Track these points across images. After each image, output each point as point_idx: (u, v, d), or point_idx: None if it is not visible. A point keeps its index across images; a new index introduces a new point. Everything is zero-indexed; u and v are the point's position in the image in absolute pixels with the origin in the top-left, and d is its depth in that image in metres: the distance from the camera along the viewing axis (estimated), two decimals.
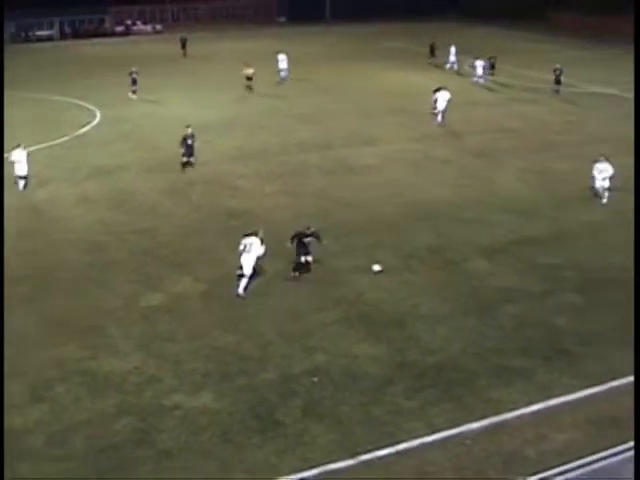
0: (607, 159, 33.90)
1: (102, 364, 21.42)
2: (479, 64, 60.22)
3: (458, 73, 64.70)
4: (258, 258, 25.90)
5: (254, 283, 26.02)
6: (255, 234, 26.00)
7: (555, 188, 36.14)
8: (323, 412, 19.45)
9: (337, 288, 26.07)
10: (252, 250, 25.63)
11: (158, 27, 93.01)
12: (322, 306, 24.81)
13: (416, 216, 32.45)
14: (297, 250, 26.65)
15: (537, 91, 57.59)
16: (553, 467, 16.74)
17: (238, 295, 25.43)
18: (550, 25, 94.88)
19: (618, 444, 15.59)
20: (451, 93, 47.72)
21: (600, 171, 33.59)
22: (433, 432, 18.63)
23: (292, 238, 26.73)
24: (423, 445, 18.25)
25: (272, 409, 19.55)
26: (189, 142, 37.43)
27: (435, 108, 47.52)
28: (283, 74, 58.88)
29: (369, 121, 48.39)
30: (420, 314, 24.39)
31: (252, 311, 24.46)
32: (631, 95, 55.76)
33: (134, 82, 53.96)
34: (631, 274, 27.12)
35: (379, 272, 27.26)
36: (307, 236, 26.65)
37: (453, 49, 66.71)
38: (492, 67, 60.80)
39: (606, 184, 33.59)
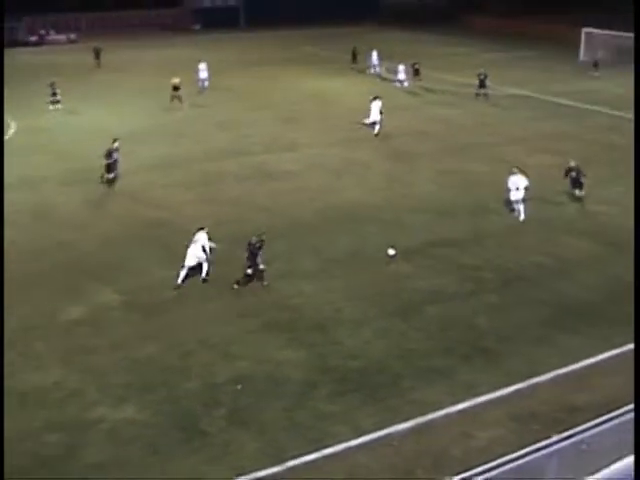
0: (521, 170, 33.12)
1: (23, 380, 21.08)
2: (401, 68, 60.41)
3: (381, 77, 65.03)
4: (211, 249, 26.98)
5: (174, 293, 25.94)
6: (202, 229, 27.26)
7: (472, 189, 36.56)
8: (248, 420, 19.43)
9: (258, 294, 26.04)
10: (198, 241, 26.78)
11: (72, 36, 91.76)
12: (243, 313, 24.77)
13: (336, 220, 32.57)
14: (246, 260, 26.52)
15: (454, 94, 58.18)
16: (478, 465, 16.92)
17: (177, 287, 26.35)
18: (464, 29, 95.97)
19: (540, 440, 15.78)
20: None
21: (514, 183, 32.60)
22: (359, 435, 18.72)
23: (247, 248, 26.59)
24: (350, 448, 18.31)
25: (197, 419, 19.46)
26: (115, 156, 36.78)
27: (368, 117, 46.45)
28: (204, 83, 58.47)
29: (289, 126, 48.42)
30: (342, 318, 24.49)
31: (173, 320, 24.32)
32: (545, 96, 56.81)
33: (54, 93, 53.21)
34: (548, 272, 27.63)
35: (394, 256, 28.53)
36: (254, 245, 26.48)
37: (375, 54, 67.09)
38: (417, 72, 60.80)
39: (520, 195, 32.64)
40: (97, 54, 71.00)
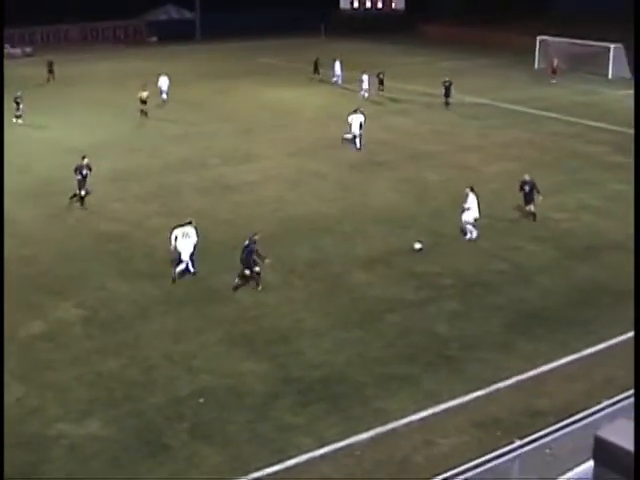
0: (472, 190, 31.50)
1: None
2: (365, 78, 60.39)
3: (342, 87, 65.20)
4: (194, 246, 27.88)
5: (134, 306, 25.88)
6: (189, 223, 28.24)
7: (429, 197, 36.79)
8: (211, 433, 19.38)
9: (219, 307, 26.01)
10: (191, 236, 27.83)
11: (28, 50, 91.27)
12: (204, 326, 24.72)
13: (295, 231, 32.62)
14: (240, 263, 26.96)
15: (412, 103, 58.49)
16: (441, 472, 16.98)
17: (174, 279, 27.46)
18: (421, 38, 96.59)
19: (503, 445, 15.87)
20: (336, 107, 47.84)
21: (468, 203, 31.20)
22: (322, 445, 18.74)
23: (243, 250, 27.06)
24: (313, 459, 18.32)
25: (160, 433, 19.38)
26: (84, 173, 35.89)
27: (349, 132, 45.37)
28: (164, 95, 58.15)
29: (247, 138, 48.42)
30: (303, 329, 24.52)
31: (134, 334, 24.21)
32: (502, 104, 57.26)
33: (18, 106, 52.80)
34: (508, 278, 27.83)
35: (420, 250, 29.97)
36: (246, 246, 26.87)
37: (338, 63, 67.40)
38: (381, 82, 60.93)
39: (469, 217, 31.27)
40: (50, 67, 70.45)
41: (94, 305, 26.15)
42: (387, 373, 21.97)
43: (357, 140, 44.90)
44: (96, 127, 51.39)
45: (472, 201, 31.05)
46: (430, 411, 20.10)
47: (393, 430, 19.40)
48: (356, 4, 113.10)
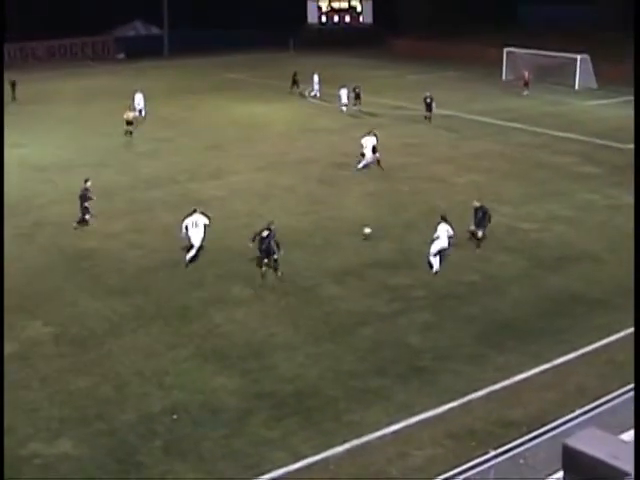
0: (444, 219, 30.02)
1: None
2: (343, 92, 60.18)
3: (321, 100, 65.21)
4: (206, 227, 30.47)
5: (106, 323, 25.74)
6: (195, 211, 30.79)
7: (400, 210, 36.81)
8: (185, 449, 19.27)
9: (189, 323, 25.90)
10: (199, 224, 30.35)
11: None
12: (176, 342, 24.58)
13: None
14: (260, 250, 28.94)
15: (382, 116, 58.50)
16: None
17: (187, 265, 29.95)
18: (389, 51, 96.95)
19: (478, 456, 15.91)
20: (306, 122, 47.71)
21: (439, 231, 29.62)
22: (297, 460, 18.68)
23: (253, 238, 29.06)
24: (288, 473, 18.26)
25: (133, 451, 19.24)
26: (89, 196, 35.23)
27: (361, 159, 43.32)
28: (142, 112, 57.50)
29: (215, 153, 48.32)
30: (275, 343, 24.44)
31: (105, 351, 24.05)
32: (471, 115, 57.51)
33: None
34: (480, 289, 27.89)
35: (368, 234, 32.16)
36: (266, 237, 28.69)
37: (316, 77, 67.54)
38: (357, 97, 60.60)
39: (434, 249, 29.60)
40: (13, 87, 69.83)
41: (65, 323, 25.98)
42: (360, 386, 21.94)
43: (365, 162, 43.11)
44: (64, 144, 51.16)
45: (442, 230, 29.50)
46: (404, 423, 20.09)
47: (367, 443, 19.36)
48: (324, 18, 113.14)
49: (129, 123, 52.66)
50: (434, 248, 29.51)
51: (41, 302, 27.63)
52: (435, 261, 29.60)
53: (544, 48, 73.12)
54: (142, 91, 58.69)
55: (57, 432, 20.05)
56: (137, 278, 28.88)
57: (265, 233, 28.60)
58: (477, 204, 31.78)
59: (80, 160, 46.64)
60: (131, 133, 52.53)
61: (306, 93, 67.46)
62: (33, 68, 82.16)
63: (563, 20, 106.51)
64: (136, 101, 57.38)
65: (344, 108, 60.29)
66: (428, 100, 55.92)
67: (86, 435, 19.89)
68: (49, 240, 33.71)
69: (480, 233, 31.48)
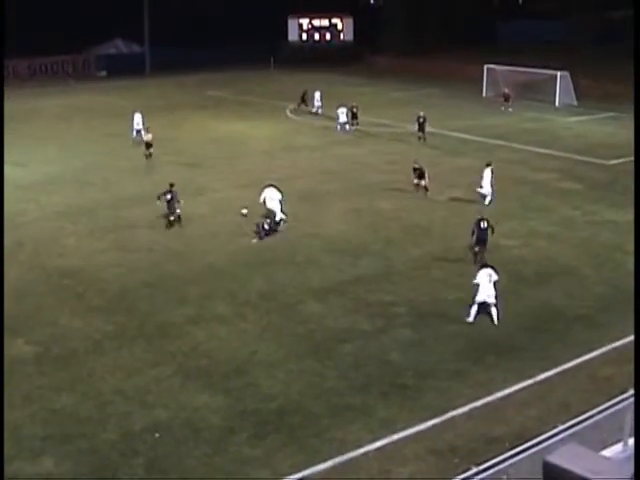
0: (486, 265, 28.06)
1: None
2: (341, 111, 59.79)
3: (325, 117, 65.04)
4: (280, 202, 36.20)
5: (88, 342, 25.69)
6: (269, 185, 36.87)
7: (381, 226, 36.89)
8: (167, 468, 19.25)
9: (171, 341, 25.86)
10: (274, 197, 36.22)
11: None
12: (158, 360, 24.55)
13: (247, 263, 32.55)
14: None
15: (363, 133, 58.65)
16: None
17: (261, 237, 34.93)
18: (370, 68, 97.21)
19: (460, 472, 15.92)
20: (289, 139, 47.52)
21: (483, 276, 27.19)
22: (280, 477, 18.68)
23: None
24: None
25: (116, 469, 19.23)
26: (168, 197, 37.15)
27: (481, 187, 40.47)
28: (139, 134, 55.87)
29: (198, 171, 48.26)
30: (258, 361, 24.44)
31: (88, 370, 24.00)
32: (452, 132, 57.73)
33: None
34: (461, 305, 27.92)
35: (245, 215, 37.13)
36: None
37: (318, 94, 67.29)
38: (354, 116, 60.27)
39: (478, 298, 27.06)
40: None
41: (46, 341, 25.92)
42: (342, 403, 21.98)
43: (487, 197, 40.41)
44: (46, 162, 50.92)
45: (483, 276, 27.05)
46: (387, 440, 20.13)
47: (350, 460, 19.39)
48: (305, 36, 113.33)
49: (149, 145, 50.86)
50: (478, 297, 26.89)
51: (23, 320, 27.54)
52: (472, 310, 26.95)
53: (523, 65, 73.55)
54: (141, 111, 57.61)
55: (39, 450, 20.03)
56: (119, 296, 28.86)
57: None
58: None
59: (62, 178, 46.59)
60: (150, 155, 50.79)
61: (313, 110, 67.23)
62: (14, 86, 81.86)
63: (541, 36, 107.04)
64: (135, 121, 56.24)
65: (347, 127, 59.67)
66: (421, 120, 54.70)
67: (68, 453, 19.86)
68: (32, 258, 33.60)
69: (477, 248, 31.65)
